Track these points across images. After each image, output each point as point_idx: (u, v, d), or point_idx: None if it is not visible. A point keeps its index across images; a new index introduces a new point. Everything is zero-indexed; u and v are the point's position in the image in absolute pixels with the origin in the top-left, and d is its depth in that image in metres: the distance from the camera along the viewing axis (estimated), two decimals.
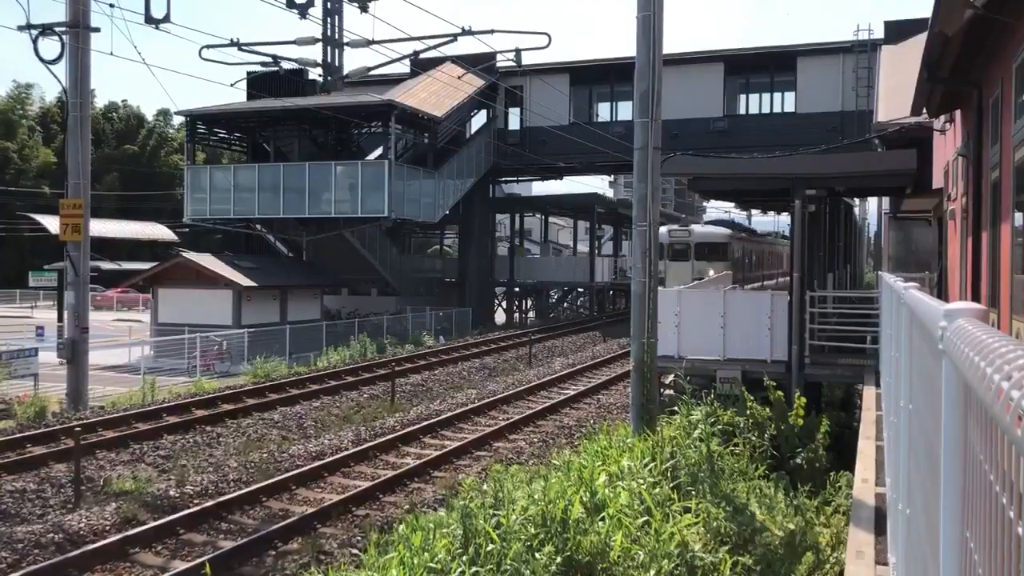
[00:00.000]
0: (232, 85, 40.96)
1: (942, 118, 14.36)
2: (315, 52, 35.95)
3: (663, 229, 29.69)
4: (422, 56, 36.50)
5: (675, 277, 29.28)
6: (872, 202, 50.84)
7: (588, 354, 28.25)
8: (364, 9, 32.90)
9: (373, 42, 31.77)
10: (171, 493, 11.77)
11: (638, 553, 6.64)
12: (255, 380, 21.34)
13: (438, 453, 14.12)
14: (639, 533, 7.04)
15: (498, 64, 37.77)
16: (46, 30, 18.75)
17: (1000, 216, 8.42)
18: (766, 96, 37.15)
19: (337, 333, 29.32)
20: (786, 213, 20.65)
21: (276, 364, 23.37)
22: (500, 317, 43.71)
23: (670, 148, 19.33)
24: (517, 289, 44.26)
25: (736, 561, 7.03)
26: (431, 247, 57.18)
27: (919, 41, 11.00)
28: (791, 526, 8.17)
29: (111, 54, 24.91)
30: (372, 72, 37.98)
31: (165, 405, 17.42)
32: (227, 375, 24.04)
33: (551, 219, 55.42)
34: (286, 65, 35.88)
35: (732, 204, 50.57)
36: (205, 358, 24.85)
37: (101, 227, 44.87)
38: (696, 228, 35.01)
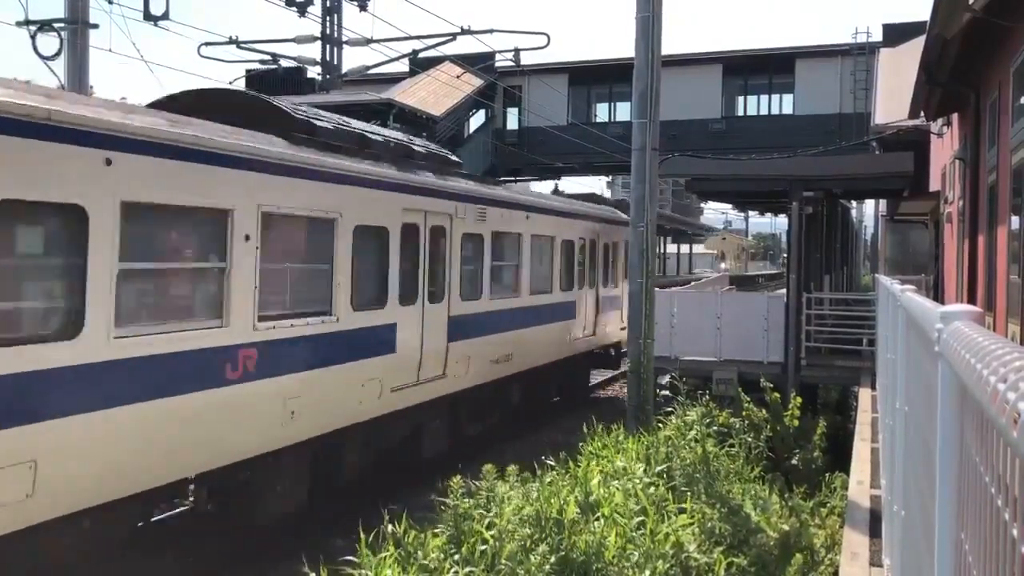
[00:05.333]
0: (231, 83, 40.91)
1: (939, 121, 14.41)
2: (314, 50, 35.84)
3: None
4: (421, 55, 36.48)
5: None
6: (869, 204, 51.00)
7: None
8: (363, 8, 32.87)
9: (372, 41, 31.73)
10: None
11: (633, 553, 6.64)
12: None
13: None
14: (634, 533, 7.05)
15: (497, 64, 37.77)
16: (44, 26, 18.71)
17: (997, 219, 8.44)
18: (764, 98, 37.19)
19: None
20: (784, 215, 20.76)
21: None
22: None
23: (668, 149, 19.36)
24: None
25: (731, 562, 7.04)
26: None
27: (917, 44, 11.01)
28: (786, 527, 8.18)
29: (110, 51, 24.93)
30: (371, 71, 37.95)
31: None
32: None
33: None
34: (285, 63, 35.82)
35: (730, 205, 50.62)
36: None
37: None
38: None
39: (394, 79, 37.67)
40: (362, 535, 6.66)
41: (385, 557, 6.32)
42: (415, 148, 12.70)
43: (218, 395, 7.98)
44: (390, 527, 6.80)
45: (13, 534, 6.12)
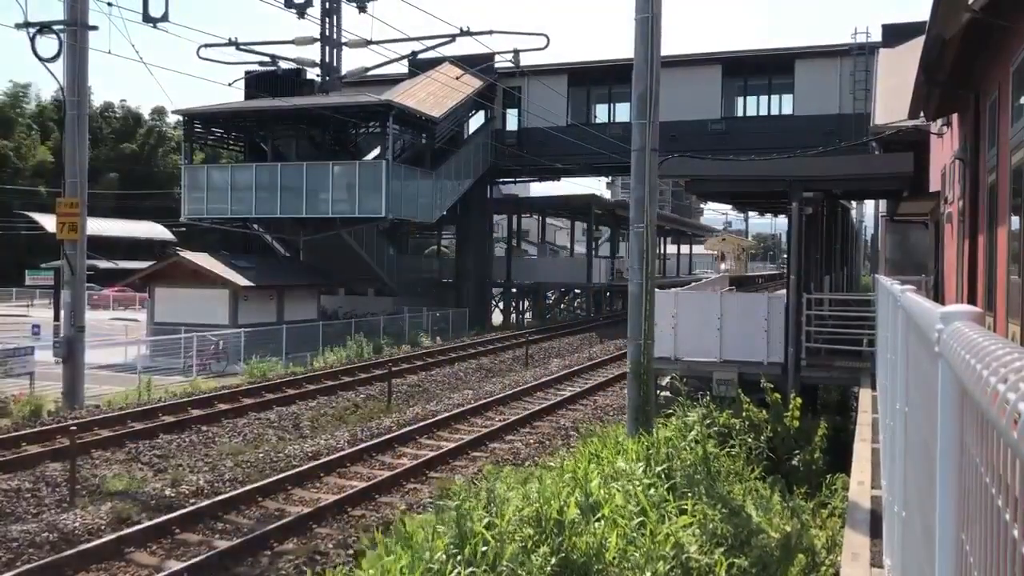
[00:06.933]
0: (230, 84, 40.93)
1: (939, 121, 14.39)
2: (313, 52, 35.96)
3: None
4: (420, 56, 36.50)
5: None
6: (869, 204, 50.96)
7: (585, 355, 28.25)
8: (362, 9, 32.88)
9: (371, 42, 31.75)
10: (166, 492, 11.75)
11: (634, 554, 6.64)
12: (251, 380, 21.32)
13: (434, 454, 14.11)
14: (634, 534, 7.04)
15: (496, 65, 37.78)
16: (44, 28, 18.71)
17: (997, 219, 8.43)
18: (764, 98, 37.20)
19: (334, 333, 29.31)
20: (783, 215, 20.71)
21: (272, 364, 23.34)
22: (497, 318, 43.74)
23: (668, 150, 19.34)
24: (514, 290, 44.26)
25: (732, 563, 7.03)
26: (428, 247, 57.20)
27: (916, 44, 11.00)
28: (787, 528, 8.17)
29: (109, 52, 24.78)
30: (370, 72, 37.98)
31: (161, 404, 17.39)
32: (223, 375, 24.01)
33: (548, 220, 55.43)
34: (284, 65, 35.86)
35: (730, 206, 50.60)
36: (202, 357, 24.82)
37: (98, 226, 44.83)
38: None
39: (394, 80, 37.71)
40: (362, 536, 6.66)
41: (384, 558, 6.32)
42: None
43: None
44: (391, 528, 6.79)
45: None
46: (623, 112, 36.94)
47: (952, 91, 10.50)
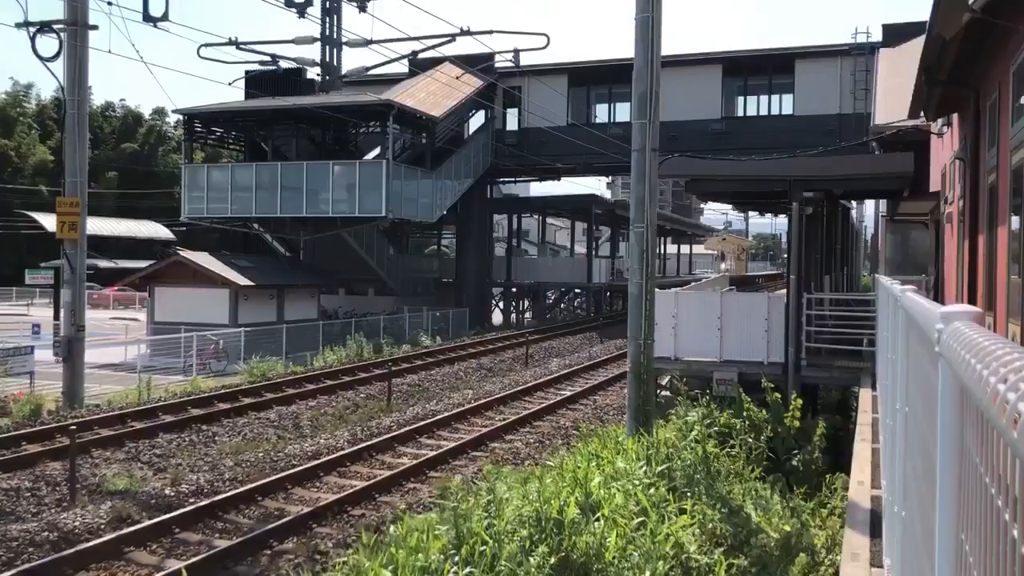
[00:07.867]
0: (230, 84, 40.95)
1: (939, 121, 14.39)
2: (313, 51, 35.98)
3: None
4: (420, 56, 36.52)
5: None
6: (869, 204, 50.92)
7: (585, 355, 28.26)
8: (363, 8, 32.90)
9: (372, 42, 31.75)
10: (166, 492, 11.75)
11: (633, 554, 6.63)
12: (251, 379, 21.31)
13: (434, 453, 14.11)
14: (634, 534, 7.04)
15: (496, 65, 37.77)
16: (44, 27, 18.71)
17: (997, 219, 8.43)
18: (764, 98, 37.16)
19: (334, 333, 29.32)
20: (784, 215, 20.68)
21: (272, 363, 23.34)
22: (497, 318, 43.73)
23: (668, 150, 19.34)
24: (514, 290, 44.26)
25: (731, 563, 7.03)
26: (429, 247, 57.20)
27: (917, 44, 10.99)
28: (787, 528, 8.17)
29: (109, 52, 24.80)
30: (370, 72, 38.00)
31: (161, 404, 17.39)
32: (223, 374, 24.01)
33: (549, 220, 55.43)
34: (284, 64, 35.86)
35: (730, 206, 50.59)
36: (201, 357, 24.82)
37: (98, 225, 44.83)
38: None
39: (394, 80, 37.70)
40: (363, 535, 6.66)
41: (382, 558, 6.31)
42: None
43: None
44: (391, 528, 6.79)
45: None
46: (623, 112, 36.92)
47: (952, 91, 10.50)
